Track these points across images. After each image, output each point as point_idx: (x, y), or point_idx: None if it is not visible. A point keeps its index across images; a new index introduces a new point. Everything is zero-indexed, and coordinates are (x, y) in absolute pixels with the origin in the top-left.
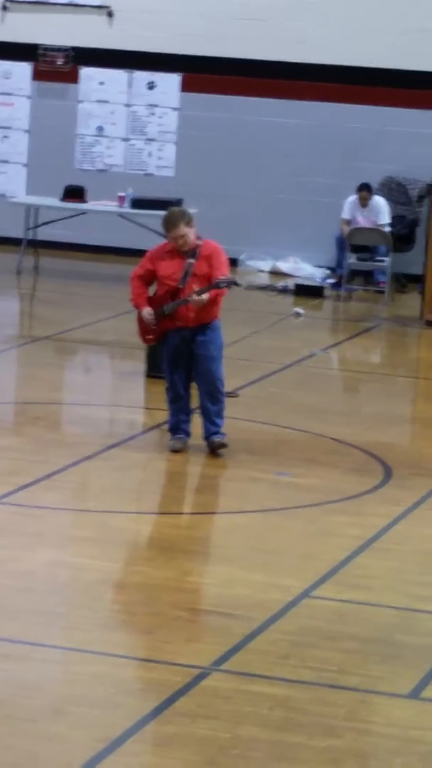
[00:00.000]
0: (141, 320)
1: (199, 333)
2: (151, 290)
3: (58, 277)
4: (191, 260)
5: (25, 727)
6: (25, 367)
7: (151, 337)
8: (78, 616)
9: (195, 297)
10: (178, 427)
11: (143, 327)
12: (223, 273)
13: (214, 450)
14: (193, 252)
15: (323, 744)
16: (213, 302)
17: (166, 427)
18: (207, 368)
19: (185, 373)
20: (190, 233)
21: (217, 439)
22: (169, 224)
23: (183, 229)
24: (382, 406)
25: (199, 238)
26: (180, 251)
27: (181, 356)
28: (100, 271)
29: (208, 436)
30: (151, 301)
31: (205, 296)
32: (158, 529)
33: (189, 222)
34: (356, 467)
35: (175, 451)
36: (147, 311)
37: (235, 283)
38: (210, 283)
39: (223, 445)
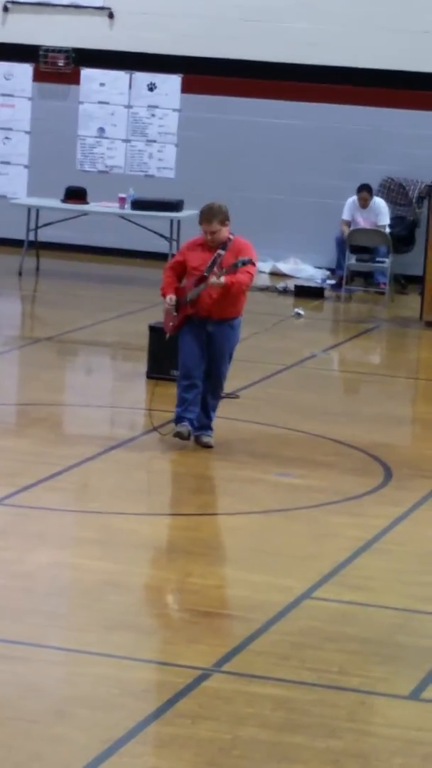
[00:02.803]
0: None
1: (219, 328)
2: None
3: (60, 279)
4: (221, 251)
5: (27, 728)
6: (27, 369)
7: (172, 324)
8: (80, 617)
9: (214, 279)
10: (183, 417)
11: (166, 315)
12: (246, 270)
13: (200, 445)
14: (223, 245)
15: (324, 745)
16: (236, 297)
17: (163, 431)
18: (218, 364)
19: (201, 363)
20: (222, 231)
21: (205, 438)
22: (204, 217)
23: (216, 226)
24: (382, 407)
25: (231, 234)
26: (210, 245)
27: (199, 346)
28: (102, 272)
29: (199, 426)
30: (179, 292)
31: (222, 279)
32: (160, 530)
33: (223, 221)
34: (357, 468)
35: (180, 435)
36: (170, 297)
37: (251, 263)
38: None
39: (210, 446)
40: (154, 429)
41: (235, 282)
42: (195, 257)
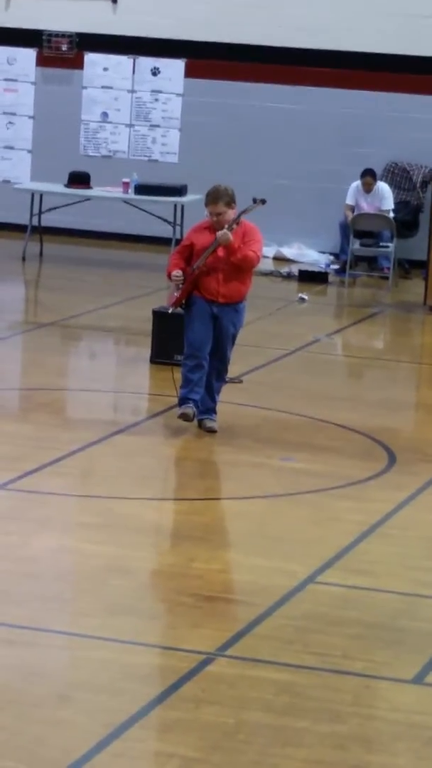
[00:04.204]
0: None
1: (225, 312)
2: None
3: (63, 264)
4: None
5: (30, 712)
6: (30, 354)
7: (176, 296)
8: (83, 601)
9: (221, 233)
10: (188, 398)
11: (171, 290)
12: (253, 249)
13: (204, 429)
14: (230, 226)
15: (327, 729)
16: (242, 282)
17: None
18: (223, 347)
19: (208, 344)
20: (227, 213)
21: (208, 423)
22: (211, 199)
23: (221, 208)
24: (386, 391)
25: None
26: (216, 227)
27: (206, 327)
28: (105, 257)
29: (203, 410)
30: (185, 270)
31: (230, 234)
32: (163, 514)
33: (229, 203)
34: (360, 453)
35: (185, 416)
36: (176, 272)
37: (263, 201)
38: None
39: (213, 431)
40: (162, 413)
41: (240, 248)
42: (201, 239)
